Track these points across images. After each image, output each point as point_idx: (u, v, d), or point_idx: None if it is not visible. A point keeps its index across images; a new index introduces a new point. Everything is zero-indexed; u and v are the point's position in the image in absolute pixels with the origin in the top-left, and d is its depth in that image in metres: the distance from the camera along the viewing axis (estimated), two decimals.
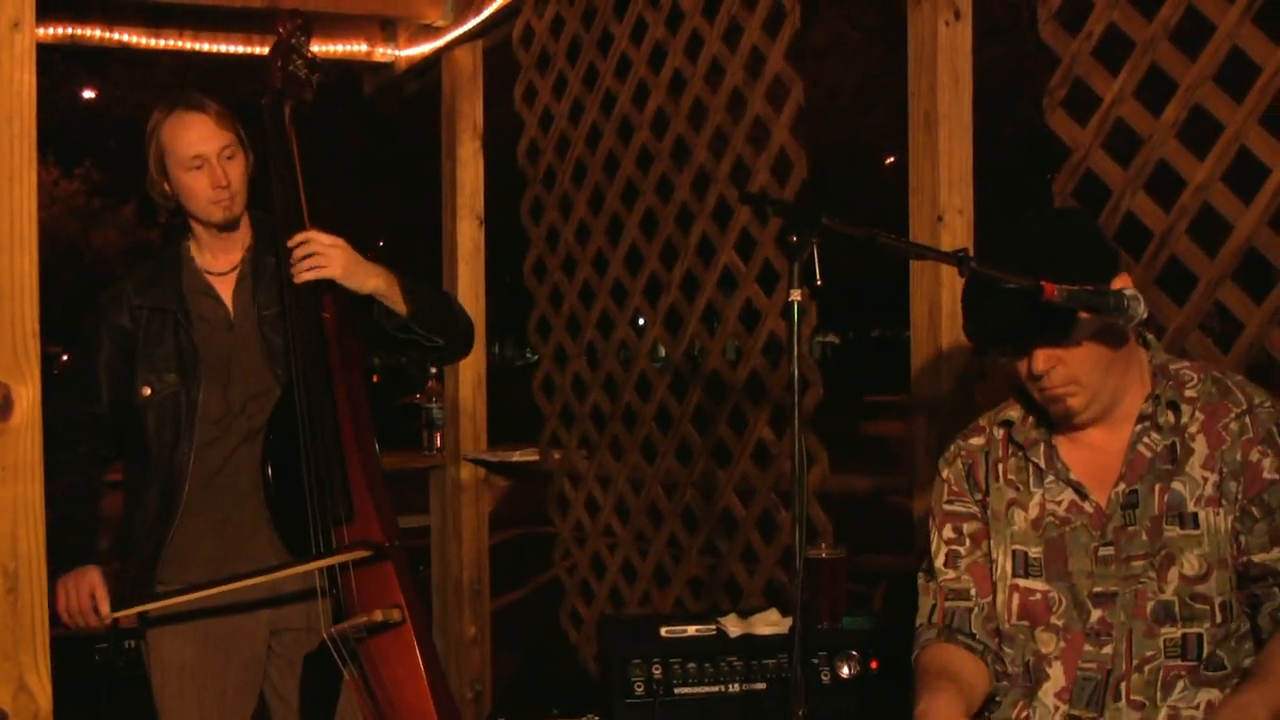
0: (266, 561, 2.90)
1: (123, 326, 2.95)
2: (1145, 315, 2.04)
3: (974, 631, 2.25)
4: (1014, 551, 2.23)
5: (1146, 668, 2.10)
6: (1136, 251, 2.79)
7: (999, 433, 2.30)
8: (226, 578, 2.82)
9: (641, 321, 4.26)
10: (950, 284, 3.09)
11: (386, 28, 5.26)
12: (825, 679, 2.94)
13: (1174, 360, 2.23)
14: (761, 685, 2.95)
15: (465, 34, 4.89)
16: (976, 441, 2.34)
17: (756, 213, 3.70)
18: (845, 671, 2.95)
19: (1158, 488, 2.13)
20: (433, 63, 5.14)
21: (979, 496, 2.30)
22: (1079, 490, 2.19)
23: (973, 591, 2.27)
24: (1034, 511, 2.22)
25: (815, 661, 2.94)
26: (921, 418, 3.16)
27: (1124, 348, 2.15)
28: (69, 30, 4.82)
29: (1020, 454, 2.26)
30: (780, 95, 3.56)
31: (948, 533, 2.32)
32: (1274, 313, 2.60)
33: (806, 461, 2.07)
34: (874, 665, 2.96)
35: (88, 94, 18.64)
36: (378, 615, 2.74)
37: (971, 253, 2.11)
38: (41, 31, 4.50)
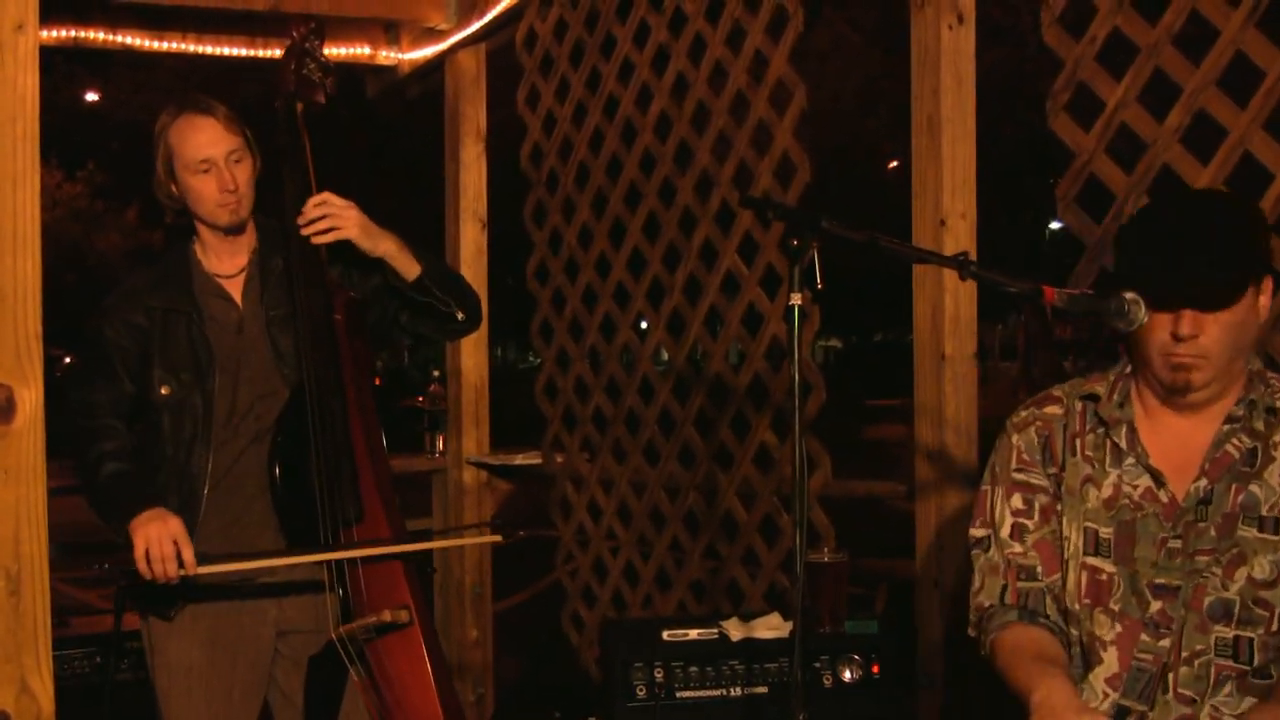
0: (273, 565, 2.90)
1: (138, 324, 2.95)
2: (1145, 319, 2.05)
3: (1048, 613, 2.22)
4: (1086, 529, 2.20)
5: (1196, 662, 2.09)
6: None
7: (1078, 405, 2.26)
8: (289, 549, 2.84)
9: (644, 325, 4.27)
10: (953, 288, 3.09)
11: (390, 31, 5.26)
12: (827, 683, 2.94)
13: (1266, 370, 2.21)
14: (763, 689, 2.94)
15: (468, 37, 4.89)
16: (1053, 410, 2.29)
17: (758, 216, 3.70)
18: (847, 675, 2.95)
19: (1234, 487, 2.12)
20: (436, 66, 5.14)
21: (1052, 470, 2.26)
22: (1157, 478, 2.16)
23: (1039, 570, 2.24)
24: (1108, 491, 2.20)
25: (817, 665, 2.94)
26: (924, 422, 3.16)
27: (1250, 343, 2.15)
28: (72, 32, 4.83)
29: (1101, 430, 2.23)
30: (783, 98, 3.57)
31: (1016, 503, 2.27)
32: (1278, 318, 2.60)
33: (808, 466, 2.06)
34: (875, 669, 2.96)
35: (91, 96, 18.65)
36: (386, 616, 2.75)
37: (974, 256, 2.11)
38: (44, 34, 4.50)
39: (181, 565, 2.72)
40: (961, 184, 3.12)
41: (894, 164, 16.47)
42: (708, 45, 3.84)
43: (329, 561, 2.84)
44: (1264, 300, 2.13)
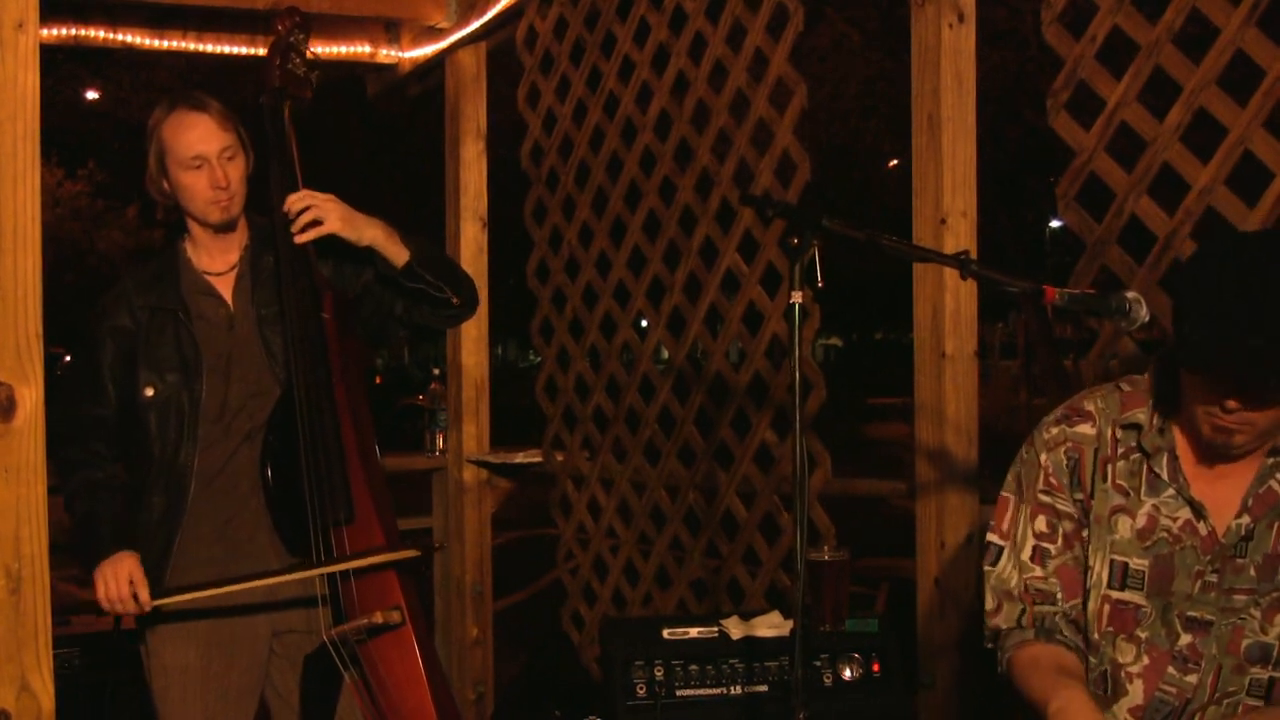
0: (267, 564, 2.89)
1: (125, 327, 2.94)
2: (1148, 319, 2.04)
3: (1066, 634, 2.19)
4: (1112, 561, 2.16)
5: (1225, 701, 2.08)
6: (1140, 255, 2.79)
7: (1114, 432, 2.19)
8: (259, 573, 2.84)
9: (644, 323, 4.27)
10: (953, 287, 3.09)
11: (390, 29, 5.26)
12: (827, 681, 2.94)
13: None
14: (763, 687, 2.94)
15: (468, 35, 4.89)
16: (1084, 430, 2.22)
17: (759, 215, 3.70)
18: (847, 674, 2.95)
19: (1277, 526, 2.09)
20: (436, 64, 5.14)
21: (1079, 496, 2.20)
22: (1197, 510, 2.11)
23: (1058, 595, 2.20)
24: (1142, 521, 2.14)
25: (817, 664, 2.94)
26: (924, 421, 3.16)
27: None
28: (72, 31, 4.82)
29: (1136, 456, 2.16)
30: (783, 97, 3.57)
31: (1040, 525, 2.22)
32: None
33: (808, 464, 2.06)
34: (876, 668, 2.96)
35: (91, 95, 18.67)
36: (378, 617, 2.74)
37: (974, 255, 2.10)
38: (45, 32, 4.50)
39: (138, 600, 2.80)
40: (962, 182, 3.12)
41: (894, 163, 16.49)
42: (708, 44, 3.83)
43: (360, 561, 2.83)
44: None
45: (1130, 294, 2.04)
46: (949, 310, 3.10)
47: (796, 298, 2.01)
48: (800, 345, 2.06)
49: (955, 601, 3.11)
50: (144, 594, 2.79)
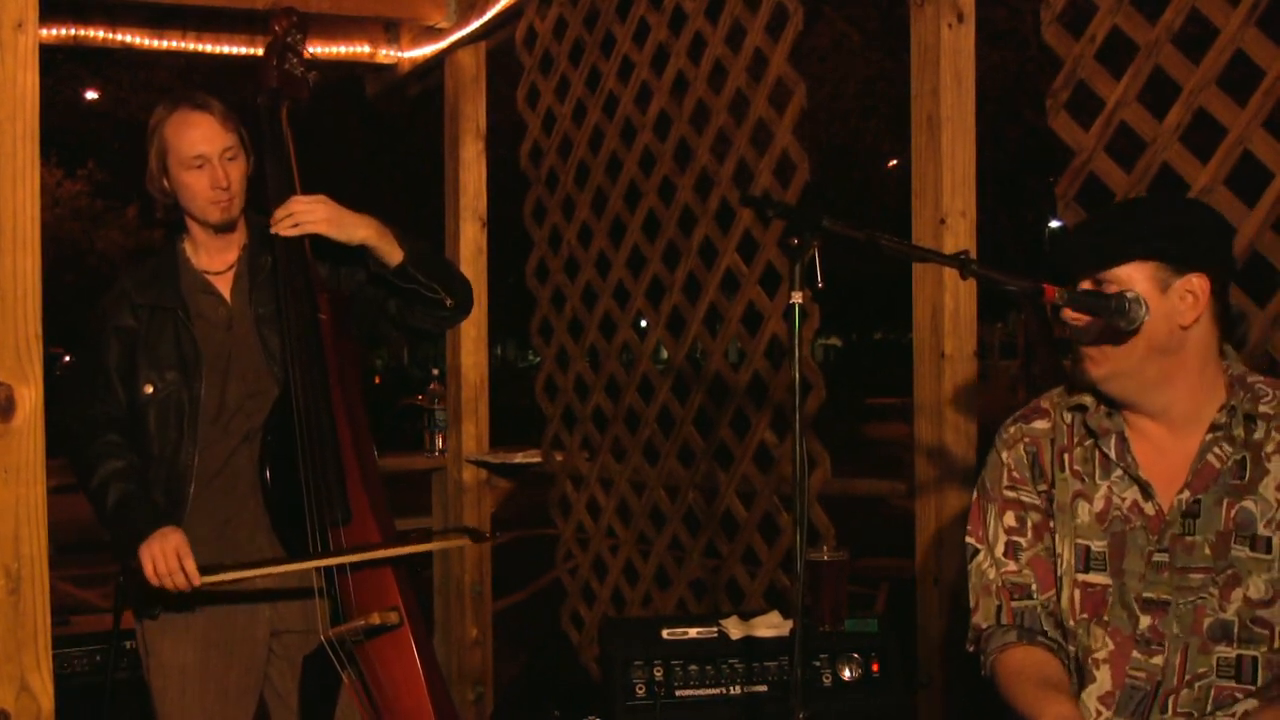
0: None
1: (128, 327, 2.94)
2: (1146, 318, 2.04)
3: (1046, 629, 2.20)
4: (1077, 545, 2.18)
5: (1197, 684, 2.07)
6: None
7: (1067, 418, 2.23)
8: (288, 557, 2.84)
9: (644, 323, 4.27)
10: (952, 287, 3.09)
11: (390, 29, 5.26)
12: (827, 681, 2.94)
13: (1250, 373, 2.17)
14: (763, 687, 2.95)
15: (468, 35, 4.89)
16: (1040, 425, 2.26)
17: (758, 215, 3.70)
18: (847, 674, 2.95)
19: (1226, 502, 2.09)
20: (435, 64, 5.14)
21: (1043, 487, 2.23)
22: (1145, 489, 2.13)
23: (1034, 588, 2.22)
24: (1099, 504, 2.17)
25: (817, 664, 2.94)
26: (923, 421, 3.16)
27: (1175, 341, 2.07)
28: (72, 31, 4.82)
29: (1090, 442, 2.19)
30: (783, 97, 3.57)
31: (1009, 520, 2.25)
32: (1277, 316, 2.60)
33: (808, 464, 2.06)
34: (875, 668, 2.96)
35: (91, 95, 18.66)
36: (375, 618, 2.73)
37: (974, 255, 2.10)
38: (44, 32, 4.50)
39: (185, 573, 2.78)
40: (961, 182, 3.12)
41: (894, 163, 16.48)
42: (707, 44, 3.84)
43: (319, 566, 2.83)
44: (1188, 301, 2.06)
45: (1129, 294, 2.04)
46: (948, 310, 3.10)
47: (796, 298, 2.01)
48: (800, 345, 2.06)
49: (955, 601, 3.11)
50: (190, 565, 2.77)
